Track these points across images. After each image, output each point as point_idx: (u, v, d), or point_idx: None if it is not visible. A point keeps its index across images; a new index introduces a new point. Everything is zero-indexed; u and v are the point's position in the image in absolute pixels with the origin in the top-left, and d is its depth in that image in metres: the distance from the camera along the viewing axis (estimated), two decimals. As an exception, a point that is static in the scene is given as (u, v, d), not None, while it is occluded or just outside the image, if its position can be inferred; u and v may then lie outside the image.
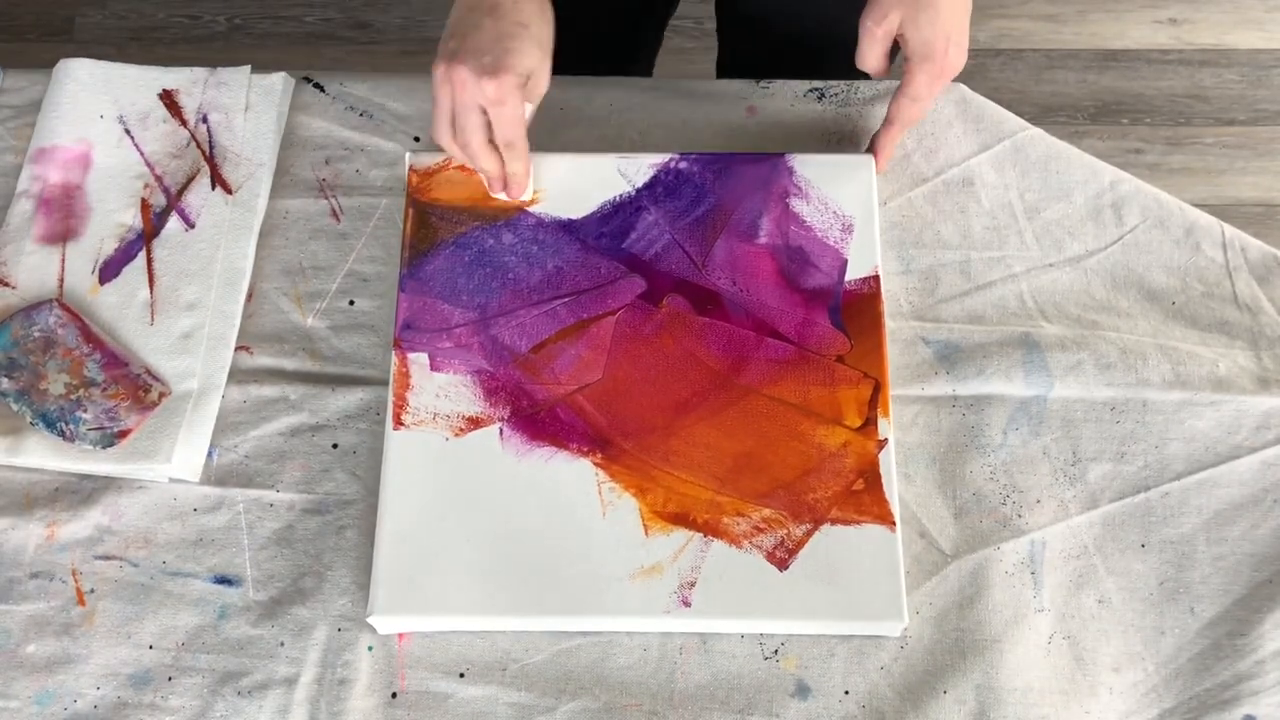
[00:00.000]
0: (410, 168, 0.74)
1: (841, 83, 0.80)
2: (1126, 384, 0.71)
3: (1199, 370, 0.71)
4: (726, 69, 1.06)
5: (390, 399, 0.68)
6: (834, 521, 0.65)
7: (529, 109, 0.70)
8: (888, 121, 0.73)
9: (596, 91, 0.80)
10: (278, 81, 0.78)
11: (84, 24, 1.60)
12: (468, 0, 0.68)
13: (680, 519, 0.65)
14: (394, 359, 0.69)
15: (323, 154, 0.78)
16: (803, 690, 0.64)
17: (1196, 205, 0.78)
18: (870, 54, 0.71)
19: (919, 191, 0.77)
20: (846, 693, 0.64)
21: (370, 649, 0.65)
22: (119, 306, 0.71)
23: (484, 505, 0.65)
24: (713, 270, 0.71)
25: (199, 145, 0.76)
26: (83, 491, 0.68)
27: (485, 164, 0.68)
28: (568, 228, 0.72)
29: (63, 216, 0.74)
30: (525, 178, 0.71)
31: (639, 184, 0.73)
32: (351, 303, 0.73)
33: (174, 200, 0.74)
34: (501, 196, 0.72)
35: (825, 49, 0.86)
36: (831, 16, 0.85)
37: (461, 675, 0.64)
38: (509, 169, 0.69)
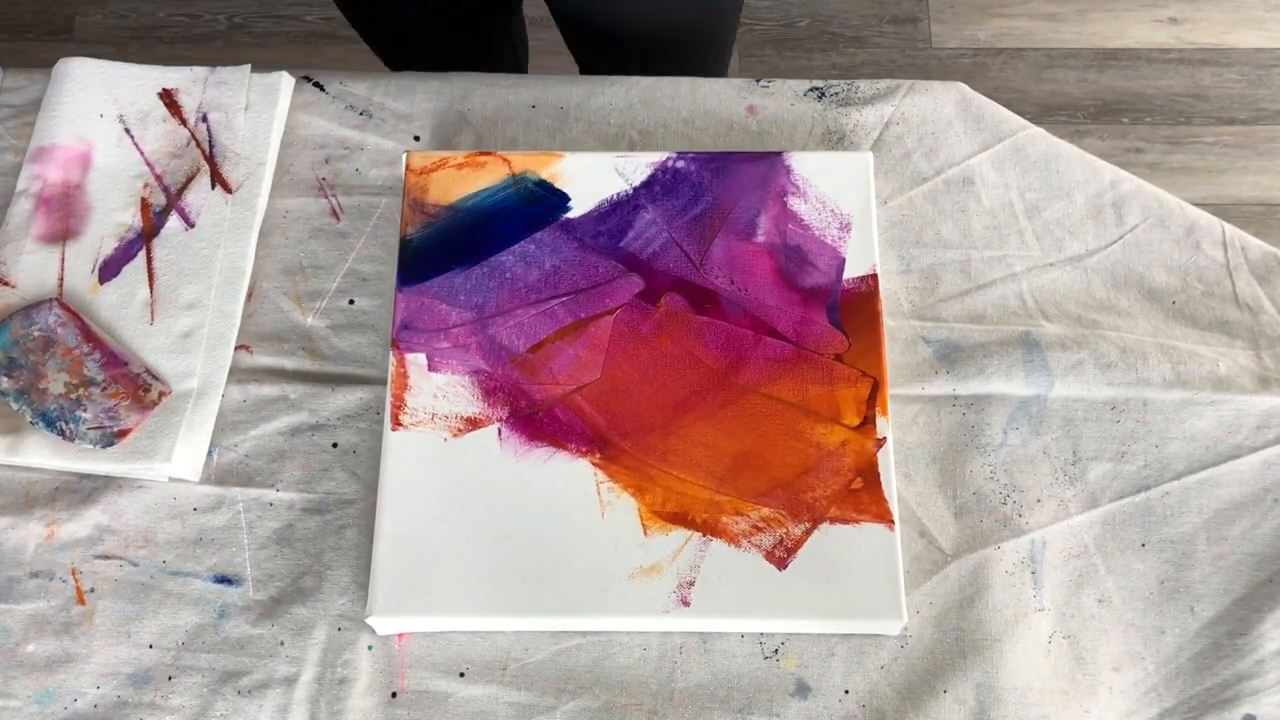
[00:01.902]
0: (407, 166, 0.74)
1: (842, 82, 0.80)
2: (1127, 383, 0.71)
3: (1199, 370, 0.71)
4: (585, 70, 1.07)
5: (388, 400, 0.68)
6: (833, 520, 0.65)
7: None
8: None
9: (596, 91, 0.80)
10: (278, 80, 0.78)
11: (84, 23, 1.60)
12: None
13: (679, 518, 0.65)
14: (391, 359, 0.69)
15: (322, 153, 0.78)
16: (803, 689, 0.64)
17: (1197, 204, 0.78)
18: None
19: (919, 191, 0.77)
20: (846, 692, 0.64)
21: (370, 648, 0.65)
22: (119, 306, 0.71)
23: (483, 506, 0.65)
24: (710, 269, 0.71)
25: (199, 144, 0.76)
26: (82, 491, 0.68)
27: None
28: (565, 226, 0.72)
29: (62, 216, 0.74)
30: None
31: (636, 183, 0.73)
32: (351, 302, 0.73)
33: (174, 199, 0.74)
34: None
35: (649, 46, 0.87)
36: (646, 14, 0.85)
37: (461, 675, 0.64)
38: None
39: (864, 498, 0.65)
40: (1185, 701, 0.64)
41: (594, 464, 0.66)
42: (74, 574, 0.66)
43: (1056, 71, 1.57)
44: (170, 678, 0.64)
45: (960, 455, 0.69)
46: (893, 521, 0.65)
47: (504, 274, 0.71)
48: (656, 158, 0.74)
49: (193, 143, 0.76)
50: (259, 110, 0.77)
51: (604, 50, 0.95)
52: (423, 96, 0.79)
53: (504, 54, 1.09)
